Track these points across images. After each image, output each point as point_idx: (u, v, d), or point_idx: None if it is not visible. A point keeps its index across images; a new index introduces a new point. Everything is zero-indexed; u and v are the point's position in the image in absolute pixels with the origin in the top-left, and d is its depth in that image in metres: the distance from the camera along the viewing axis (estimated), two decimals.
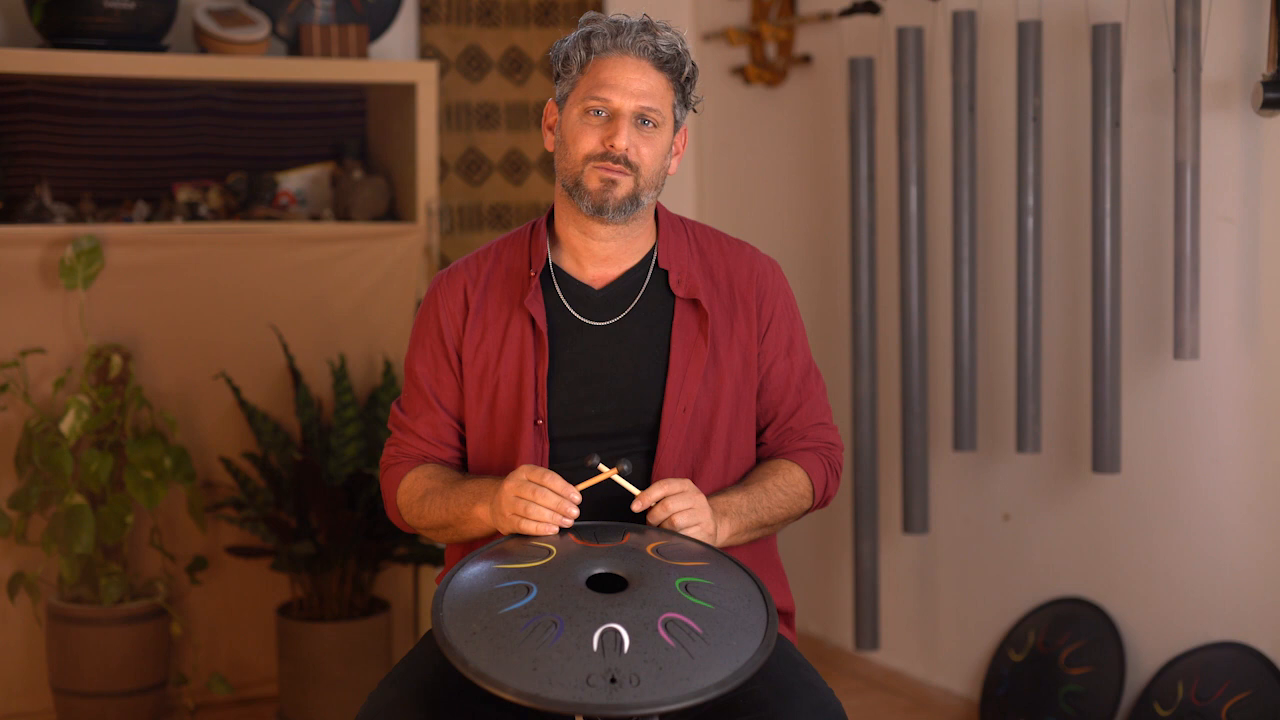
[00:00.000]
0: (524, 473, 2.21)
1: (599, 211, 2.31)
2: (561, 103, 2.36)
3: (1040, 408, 3.46)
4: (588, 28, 2.32)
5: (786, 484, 2.40)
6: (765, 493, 2.37)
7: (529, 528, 2.19)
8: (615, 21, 2.31)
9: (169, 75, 3.83)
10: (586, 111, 2.30)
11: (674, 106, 2.33)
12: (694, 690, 1.95)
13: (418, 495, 2.38)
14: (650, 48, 2.29)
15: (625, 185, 2.30)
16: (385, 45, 4.29)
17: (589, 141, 2.30)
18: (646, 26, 2.30)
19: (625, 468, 2.25)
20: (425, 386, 2.42)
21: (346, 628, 3.75)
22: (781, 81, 4.34)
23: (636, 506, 2.25)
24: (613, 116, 2.29)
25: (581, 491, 2.23)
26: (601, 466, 2.25)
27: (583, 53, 2.31)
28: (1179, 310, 3.12)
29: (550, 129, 2.39)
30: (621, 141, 2.28)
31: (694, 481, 2.37)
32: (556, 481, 2.19)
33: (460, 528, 2.33)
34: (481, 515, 2.28)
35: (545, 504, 2.18)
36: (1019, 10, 3.48)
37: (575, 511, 2.21)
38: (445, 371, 2.41)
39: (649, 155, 2.31)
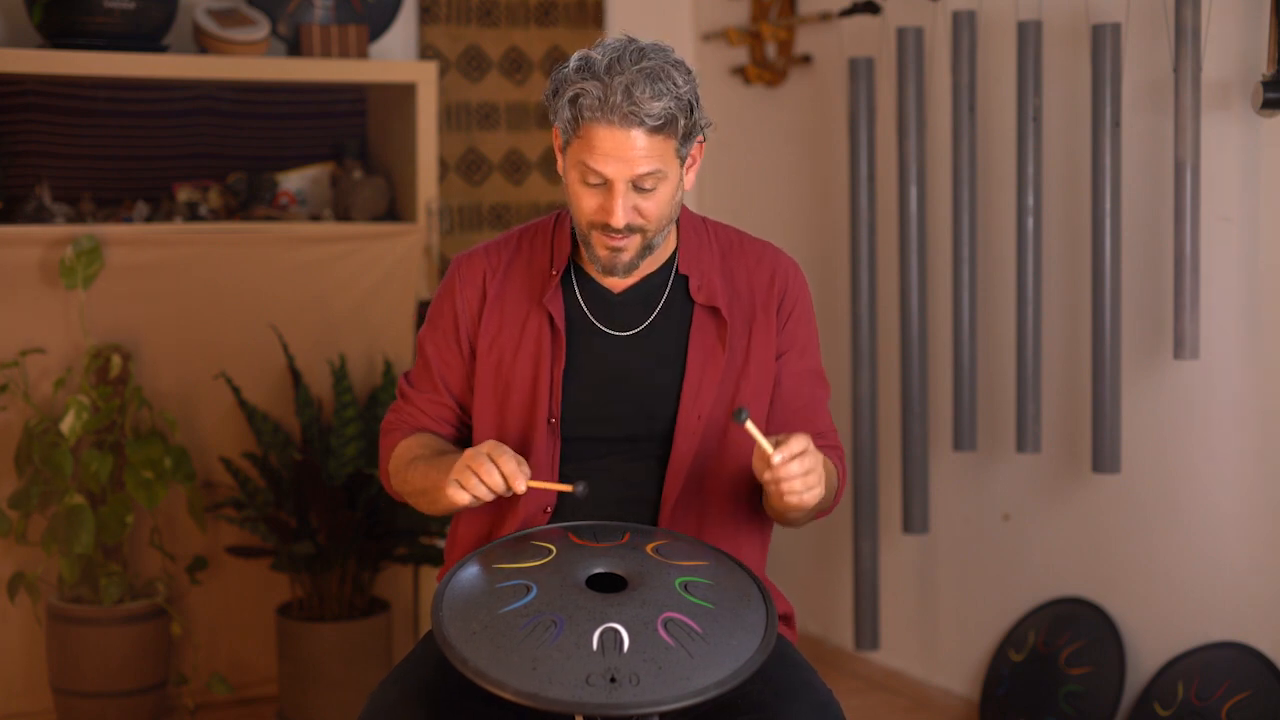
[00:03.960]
0: (486, 447, 2.19)
1: (609, 274, 2.30)
2: (563, 145, 2.27)
3: (1040, 408, 3.46)
4: (573, 89, 2.19)
5: (828, 472, 2.35)
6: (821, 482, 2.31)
7: (457, 496, 2.18)
8: (603, 82, 2.16)
9: (169, 75, 3.83)
10: (583, 177, 2.23)
11: (676, 151, 2.23)
12: (693, 690, 1.95)
13: (405, 460, 2.38)
14: (638, 117, 2.16)
15: (632, 247, 2.26)
16: (385, 45, 4.29)
17: (589, 206, 2.25)
18: (630, 94, 2.14)
19: (579, 489, 2.22)
20: (434, 367, 2.42)
21: (346, 628, 3.75)
22: (781, 81, 4.34)
23: (777, 459, 2.09)
24: (609, 186, 2.22)
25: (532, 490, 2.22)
26: (550, 485, 2.24)
27: (570, 113, 2.21)
28: (1179, 310, 3.12)
29: (559, 151, 2.30)
30: (618, 219, 2.22)
31: (712, 491, 2.35)
32: (509, 464, 2.17)
33: (434, 495, 2.30)
34: (445, 485, 2.23)
35: (488, 480, 2.16)
36: (1019, 10, 3.48)
37: (520, 488, 2.17)
38: (454, 356, 2.40)
39: (653, 210, 2.24)
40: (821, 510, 2.31)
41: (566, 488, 2.23)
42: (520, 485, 2.16)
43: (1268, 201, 3.12)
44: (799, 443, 2.11)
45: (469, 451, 2.20)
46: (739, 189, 4.54)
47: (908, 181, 3.67)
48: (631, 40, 2.22)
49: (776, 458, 2.09)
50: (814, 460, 2.12)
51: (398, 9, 4.20)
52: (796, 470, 2.11)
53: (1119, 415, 3.31)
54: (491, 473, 2.16)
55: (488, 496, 2.18)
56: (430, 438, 2.41)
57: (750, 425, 2.10)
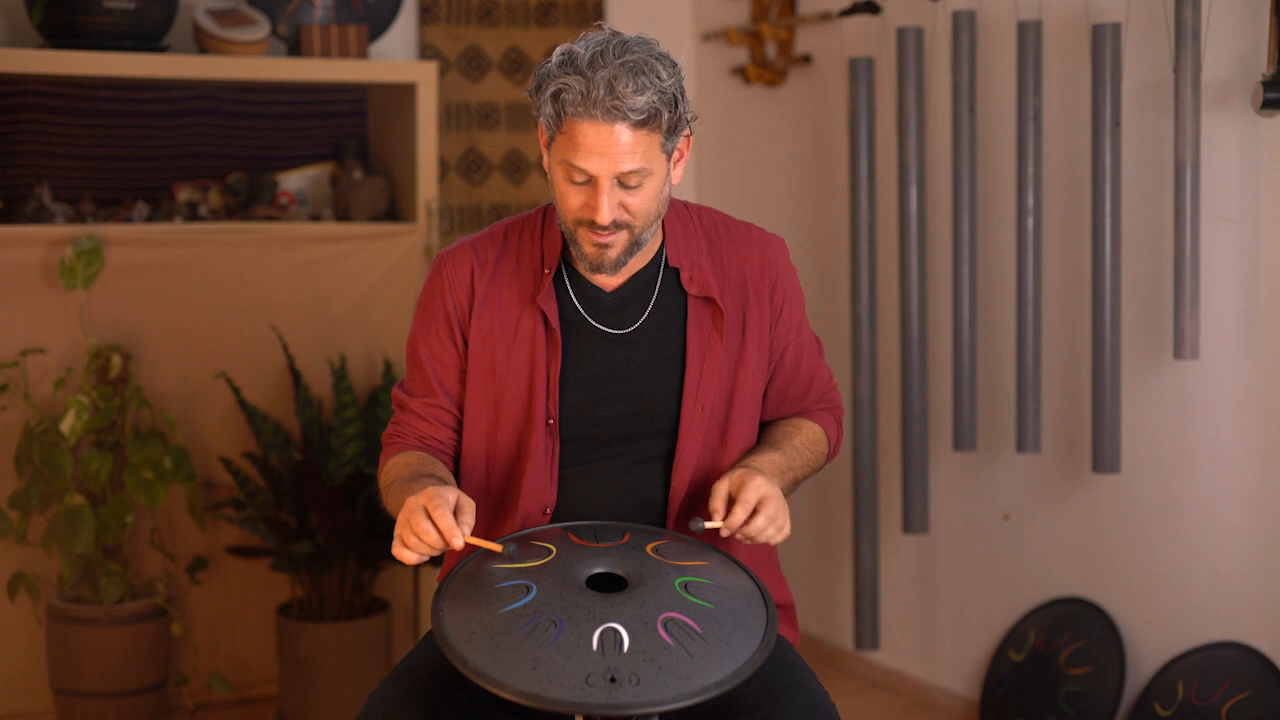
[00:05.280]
0: (425, 498, 2.10)
1: (597, 271, 2.27)
2: (547, 141, 2.25)
3: (1040, 408, 3.46)
4: (555, 84, 2.15)
5: (809, 442, 2.41)
6: (796, 451, 2.37)
7: (402, 555, 2.11)
8: (585, 76, 2.14)
9: (169, 75, 3.83)
10: (567, 174, 2.20)
11: (661, 145, 2.21)
12: (693, 690, 1.95)
13: (388, 481, 2.32)
14: (621, 111, 2.13)
15: (619, 243, 2.24)
16: (385, 45, 4.29)
17: (574, 203, 2.22)
18: (612, 88, 2.11)
19: (509, 550, 2.13)
20: (428, 369, 2.37)
21: (346, 628, 3.75)
22: (781, 81, 4.34)
23: (725, 533, 2.20)
24: (593, 182, 2.19)
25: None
26: (482, 543, 2.13)
27: (553, 108, 2.18)
28: (1179, 310, 3.12)
29: (545, 147, 2.28)
30: (603, 216, 2.19)
31: (719, 479, 2.37)
32: (445, 519, 2.08)
33: None
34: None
35: (426, 540, 2.09)
36: (1019, 10, 3.48)
37: (457, 544, 2.09)
38: (450, 354, 2.36)
39: (639, 207, 2.22)
40: (814, 472, 2.45)
41: (496, 547, 2.13)
42: (457, 542, 2.08)
43: (1268, 201, 3.12)
44: (741, 512, 2.19)
45: (409, 503, 2.11)
46: (739, 189, 4.54)
47: (908, 181, 3.67)
48: (615, 34, 2.20)
49: (725, 532, 2.21)
50: (767, 514, 2.21)
51: (398, 9, 4.20)
52: (751, 532, 2.21)
53: (1119, 415, 3.31)
54: (428, 531, 2.08)
55: (430, 554, 2.11)
56: (418, 457, 2.34)
57: (708, 526, 2.21)
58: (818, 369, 2.48)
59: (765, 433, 2.44)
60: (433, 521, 2.09)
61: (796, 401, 2.46)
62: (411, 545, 2.10)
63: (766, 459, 2.31)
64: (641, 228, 2.24)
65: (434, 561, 3.82)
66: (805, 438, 2.41)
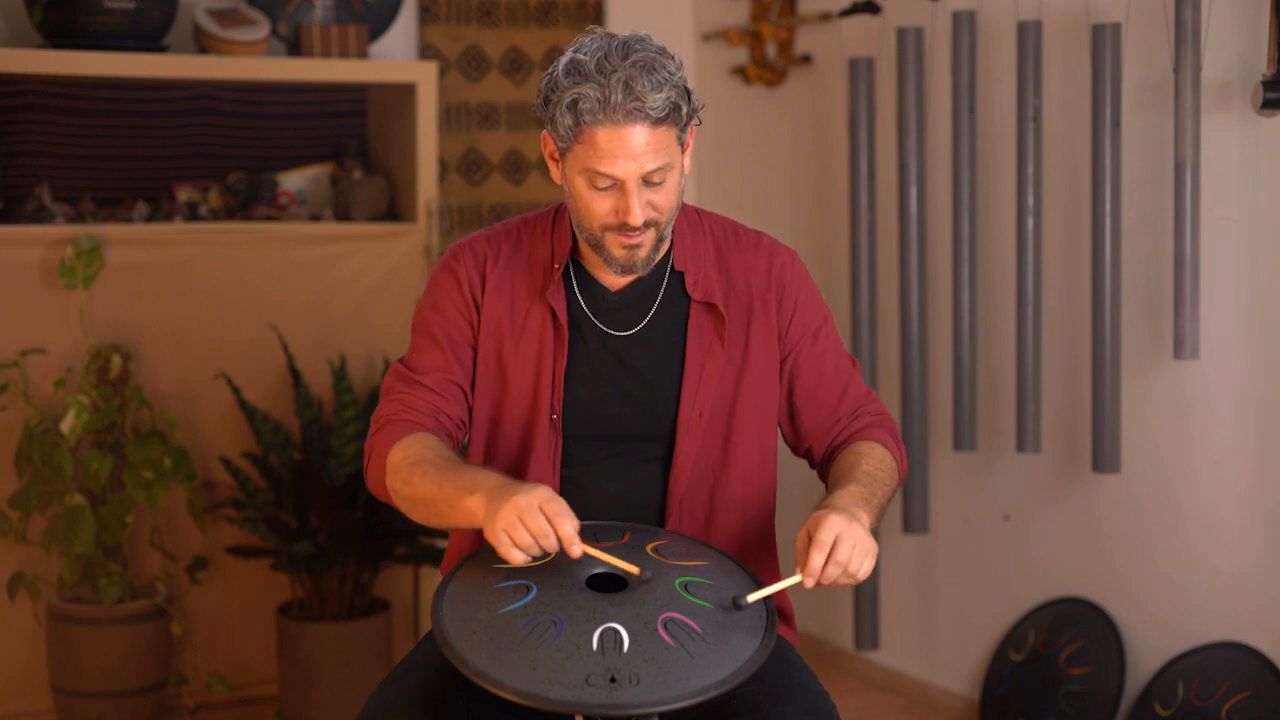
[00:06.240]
0: (540, 499, 2.03)
1: (629, 272, 2.27)
2: (560, 152, 2.24)
3: (1040, 408, 3.46)
4: (569, 94, 2.14)
5: (879, 465, 2.32)
6: (870, 476, 2.28)
7: (511, 555, 2.04)
8: (599, 82, 2.13)
9: (169, 75, 3.83)
10: (591, 182, 2.20)
11: (677, 138, 2.22)
12: (693, 689, 1.95)
13: (410, 459, 2.22)
14: (642, 111, 2.13)
15: (648, 242, 2.24)
16: (385, 45, 4.29)
17: (601, 210, 2.21)
18: (630, 89, 2.11)
19: (647, 574, 2.08)
20: (443, 341, 2.32)
21: (346, 628, 3.75)
22: (781, 81, 4.34)
23: (810, 584, 2.07)
24: (620, 186, 2.19)
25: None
26: (619, 562, 2.08)
27: (570, 119, 2.17)
28: (1179, 310, 3.12)
29: (552, 159, 2.28)
30: (635, 217, 2.19)
31: (717, 489, 2.35)
32: (566, 526, 2.03)
33: (445, 511, 2.16)
34: (473, 509, 2.10)
35: (544, 543, 2.03)
36: (1019, 10, 3.48)
37: (576, 553, 2.05)
38: (464, 331, 2.34)
39: (664, 202, 2.22)
40: (893, 494, 2.32)
41: (632, 569, 2.06)
42: (576, 551, 2.03)
43: (1268, 201, 3.12)
44: (817, 555, 2.07)
45: (520, 500, 2.03)
46: (739, 189, 4.54)
47: (908, 181, 3.67)
48: (610, 35, 2.20)
49: (808, 581, 2.07)
50: (847, 546, 2.07)
51: (398, 9, 4.20)
52: (835, 572, 2.08)
53: (1119, 415, 3.31)
54: (548, 535, 2.02)
55: (538, 553, 2.05)
56: (437, 441, 2.26)
57: (756, 596, 2.08)
58: (851, 377, 2.41)
59: (832, 470, 2.36)
60: (552, 526, 2.03)
61: (834, 409, 2.39)
62: (525, 547, 2.03)
63: (844, 493, 2.21)
64: (667, 222, 2.25)
65: (436, 561, 3.82)
66: (872, 460, 2.32)
